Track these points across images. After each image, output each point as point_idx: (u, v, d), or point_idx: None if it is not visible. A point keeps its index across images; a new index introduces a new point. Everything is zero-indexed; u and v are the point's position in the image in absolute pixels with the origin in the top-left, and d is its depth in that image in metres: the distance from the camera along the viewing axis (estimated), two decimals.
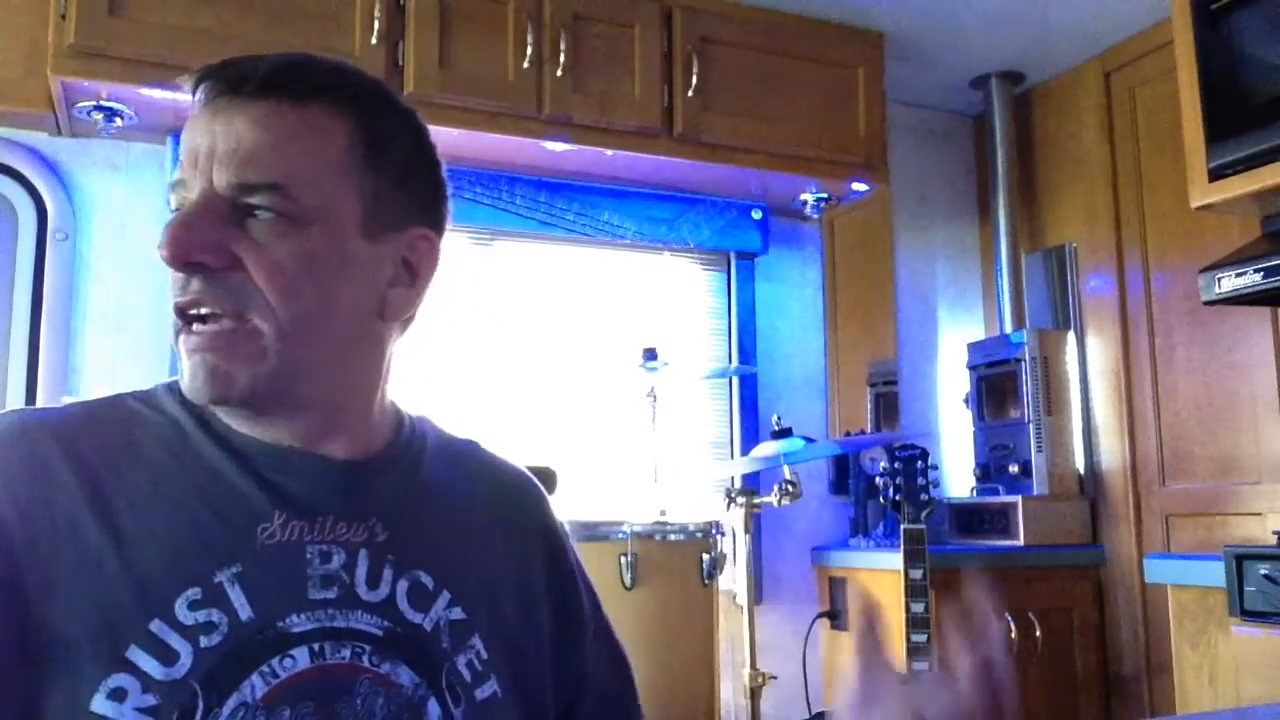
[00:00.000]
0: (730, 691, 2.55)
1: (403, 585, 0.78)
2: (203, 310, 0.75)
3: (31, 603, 0.68)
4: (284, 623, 0.72)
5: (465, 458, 0.93)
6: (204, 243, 0.74)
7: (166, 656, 0.68)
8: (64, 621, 0.68)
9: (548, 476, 2.28)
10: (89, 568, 0.70)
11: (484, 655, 0.80)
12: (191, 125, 0.77)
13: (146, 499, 0.74)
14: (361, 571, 0.76)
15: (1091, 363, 3.11)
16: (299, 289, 0.75)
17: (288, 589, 0.73)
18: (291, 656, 0.71)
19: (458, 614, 0.80)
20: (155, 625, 0.69)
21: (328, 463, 0.80)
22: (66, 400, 0.86)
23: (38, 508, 0.71)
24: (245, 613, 0.71)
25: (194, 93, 0.78)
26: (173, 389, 0.81)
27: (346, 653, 0.73)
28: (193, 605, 0.70)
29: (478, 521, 0.88)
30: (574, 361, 2.88)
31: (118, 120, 2.33)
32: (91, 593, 0.69)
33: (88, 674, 0.67)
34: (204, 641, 0.69)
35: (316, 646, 0.72)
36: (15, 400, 2.34)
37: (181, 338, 0.76)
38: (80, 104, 2.28)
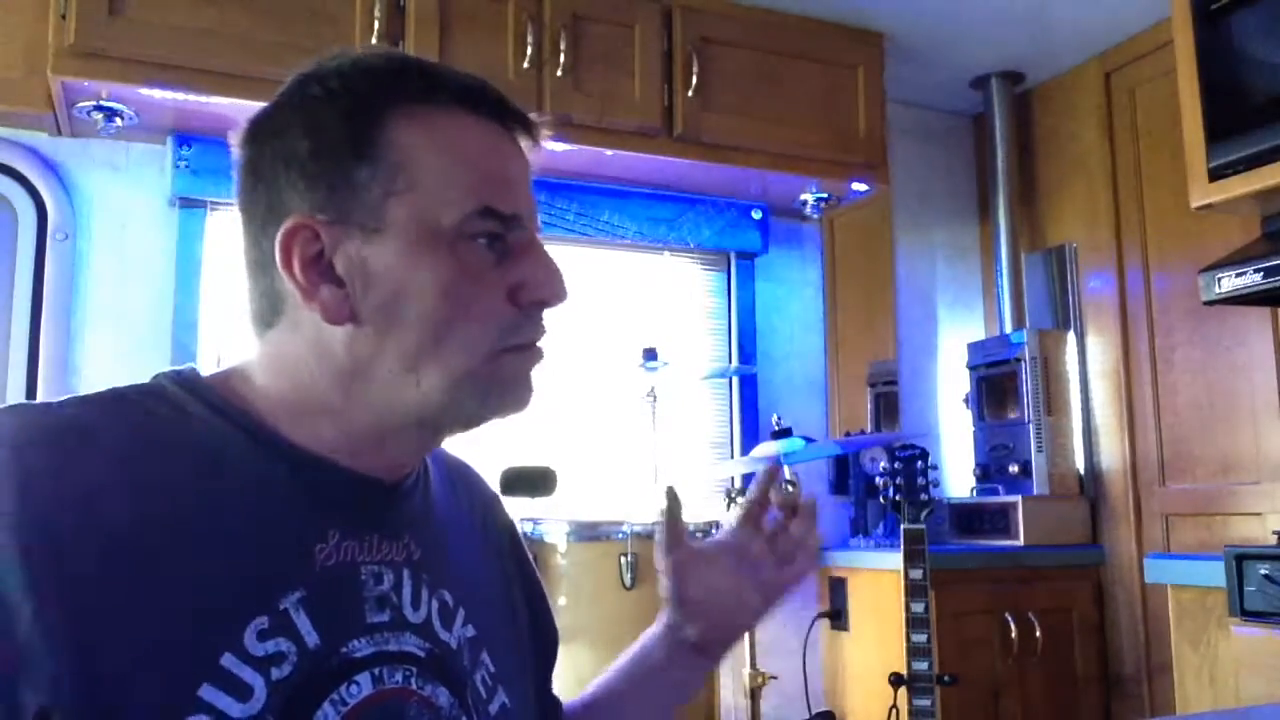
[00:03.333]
0: (730, 691, 2.55)
1: (434, 605, 0.77)
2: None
3: (78, 651, 0.61)
4: (347, 648, 0.70)
5: (442, 461, 0.92)
6: None
7: (241, 692, 0.64)
8: (125, 665, 0.62)
9: (548, 476, 2.28)
10: (146, 600, 0.63)
11: (492, 669, 0.80)
12: (509, 158, 0.79)
13: (196, 515, 0.68)
14: (407, 592, 0.75)
15: (1091, 363, 3.11)
16: None
17: (348, 613, 0.71)
18: (356, 683, 0.70)
19: (470, 631, 0.79)
20: (227, 660, 0.65)
21: (373, 480, 0.77)
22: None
23: (77, 533, 0.63)
24: (312, 640, 0.68)
25: (474, 108, 0.78)
26: (186, 384, 0.75)
27: (399, 676, 0.72)
28: (262, 635, 0.66)
29: (468, 528, 0.88)
30: (574, 361, 2.88)
31: (118, 120, 2.33)
32: (153, 629, 0.63)
33: None
34: (275, 674, 0.66)
35: (377, 671, 0.71)
36: (15, 400, 2.34)
37: (516, 360, 0.78)
38: (80, 104, 2.28)
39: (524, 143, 0.81)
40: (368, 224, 0.73)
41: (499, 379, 0.76)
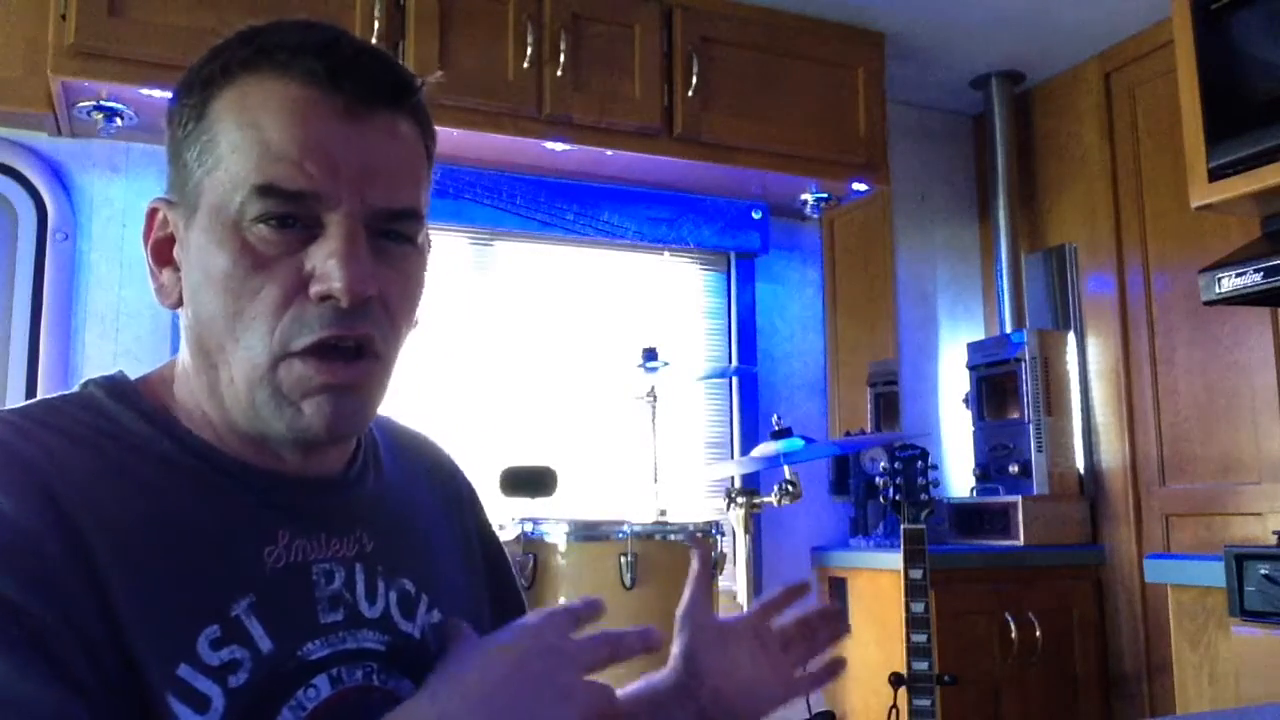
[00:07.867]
0: None
1: (393, 596, 0.76)
2: (361, 345, 0.69)
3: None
4: (302, 651, 0.69)
5: (399, 439, 0.89)
6: (372, 274, 0.68)
7: (199, 703, 0.64)
8: (85, 680, 0.61)
9: (548, 476, 2.28)
10: (96, 613, 0.62)
11: None
12: (311, 125, 0.68)
13: (139, 526, 0.66)
14: (360, 588, 0.74)
15: (1091, 363, 3.11)
16: (410, 319, 0.73)
17: (301, 616, 0.70)
18: (314, 686, 0.69)
19: (436, 615, 0.78)
20: (183, 670, 0.64)
21: (316, 477, 0.76)
22: None
23: (10, 563, 0.61)
24: (265, 645, 0.67)
25: (295, 73, 0.69)
26: (116, 393, 0.73)
27: (359, 674, 0.71)
28: (215, 644, 0.65)
29: (429, 511, 0.86)
30: (574, 362, 2.88)
31: (118, 120, 2.33)
32: (107, 642, 0.62)
33: None
34: (232, 681, 0.65)
35: (334, 672, 0.70)
36: (15, 401, 2.34)
37: (300, 373, 0.68)
38: (80, 104, 2.28)
39: (385, 116, 0.70)
40: (192, 205, 0.70)
41: (285, 391, 0.68)
